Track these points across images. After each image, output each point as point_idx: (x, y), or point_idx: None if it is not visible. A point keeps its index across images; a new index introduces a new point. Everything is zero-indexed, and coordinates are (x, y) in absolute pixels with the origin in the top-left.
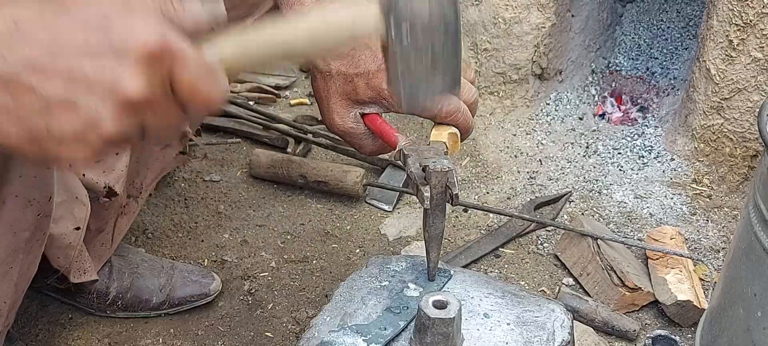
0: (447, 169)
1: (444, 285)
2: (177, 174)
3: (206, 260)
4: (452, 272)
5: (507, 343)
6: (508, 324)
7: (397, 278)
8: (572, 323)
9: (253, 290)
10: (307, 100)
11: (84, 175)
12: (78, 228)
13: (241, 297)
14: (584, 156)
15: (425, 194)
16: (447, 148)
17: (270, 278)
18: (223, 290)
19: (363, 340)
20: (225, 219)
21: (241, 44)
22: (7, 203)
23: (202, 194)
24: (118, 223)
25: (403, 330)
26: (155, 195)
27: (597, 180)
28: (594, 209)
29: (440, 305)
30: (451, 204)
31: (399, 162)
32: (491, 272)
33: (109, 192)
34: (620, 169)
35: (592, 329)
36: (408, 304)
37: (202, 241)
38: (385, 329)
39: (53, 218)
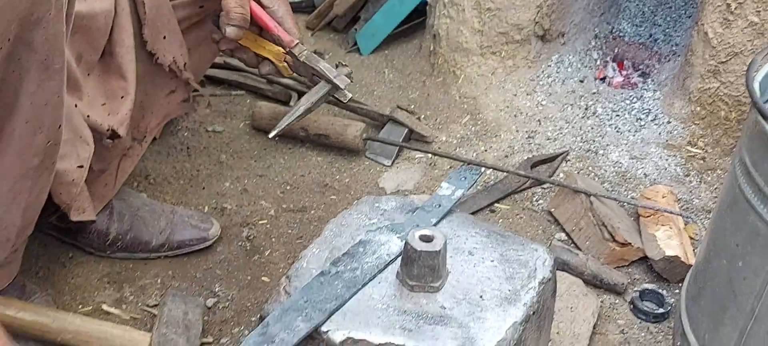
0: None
1: (474, 183)
2: (180, 123)
3: (206, 207)
4: (483, 170)
5: (489, 278)
6: (492, 261)
7: (387, 216)
8: (554, 263)
9: (252, 237)
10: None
11: (89, 116)
12: (81, 166)
13: (240, 243)
14: (583, 117)
15: (343, 79)
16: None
17: (268, 226)
18: (222, 236)
19: (398, 237)
20: (226, 168)
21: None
22: (17, 129)
23: (204, 143)
24: (122, 165)
25: (437, 223)
26: (158, 143)
27: (594, 141)
28: (590, 168)
29: (427, 239)
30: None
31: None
32: None
33: (112, 134)
34: (617, 131)
35: (581, 281)
36: (440, 202)
37: (203, 188)
38: (419, 226)
39: (58, 155)
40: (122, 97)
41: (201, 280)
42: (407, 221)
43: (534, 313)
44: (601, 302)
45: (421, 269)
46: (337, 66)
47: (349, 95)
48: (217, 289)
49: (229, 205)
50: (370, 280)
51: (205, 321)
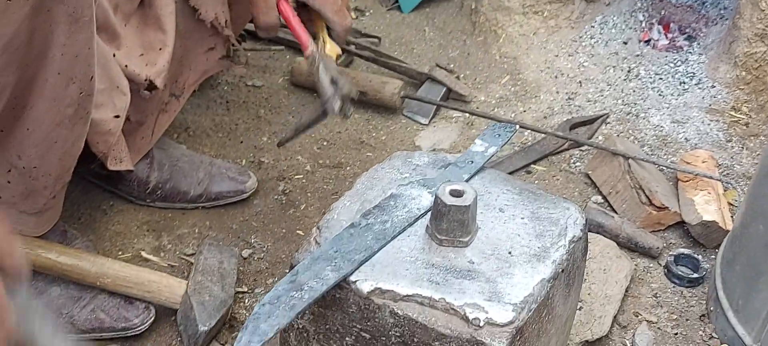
0: (351, 91)
1: (508, 140)
2: (220, 77)
3: (244, 160)
4: (517, 127)
5: (519, 235)
6: (523, 218)
7: (419, 171)
8: (586, 223)
9: (287, 191)
10: (353, 14)
11: (126, 66)
12: (117, 116)
13: (276, 197)
14: (625, 80)
15: (335, 105)
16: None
17: (304, 181)
18: (258, 189)
19: (429, 192)
20: (264, 123)
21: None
22: (49, 79)
23: (243, 97)
24: (160, 119)
25: (468, 180)
26: (198, 96)
27: (635, 104)
28: (630, 131)
29: (457, 194)
30: (344, 117)
31: (309, 64)
32: None
33: (149, 85)
34: (660, 94)
35: (615, 244)
36: (473, 158)
37: (241, 142)
38: (451, 181)
39: (95, 104)
40: (160, 49)
41: (237, 231)
42: (439, 176)
43: (563, 271)
44: (635, 265)
45: (450, 223)
46: (335, 84)
47: (338, 114)
48: (252, 240)
49: (266, 159)
50: (399, 233)
51: (239, 271)
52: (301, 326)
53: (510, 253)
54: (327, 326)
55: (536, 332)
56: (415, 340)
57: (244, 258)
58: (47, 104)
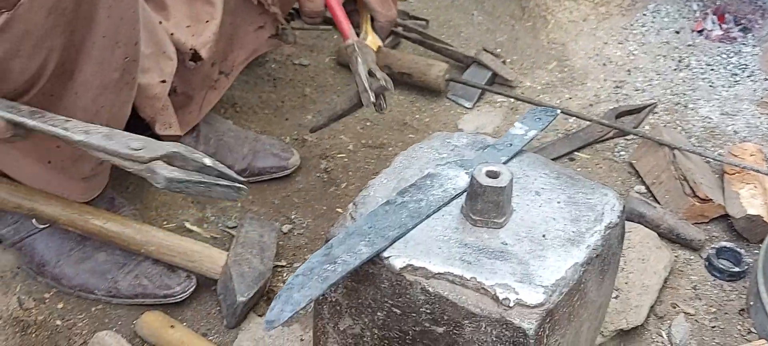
0: (387, 84)
1: (549, 124)
2: (268, 55)
3: (288, 138)
4: (559, 112)
5: (554, 218)
6: (559, 202)
7: (457, 152)
8: (623, 210)
9: (329, 169)
10: None
11: (173, 34)
12: (164, 81)
13: (318, 174)
14: (675, 70)
15: (371, 97)
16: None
17: (346, 160)
18: (301, 166)
19: (466, 173)
20: (309, 101)
21: None
22: (96, 43)
23: (290, 76)
24: (208, 95)
25: (507, 162)
26: (246, 73)
27: (685, 94)
28: (677, 122)
29: (493, 175)
30: (379, 110)
31: (349, 54)
32: None
33: (194, 55)
34: (710, 86)
35: (656, 234)
36: (512, 141)
37: (287, 119)
38: (487, 162)
39: (141, 69)
40: (207, 21)
41: (279, 206)
42: (477, 157)
43: (597, 256)
44: (676, 256)
45: (485, 204)
46: (372, 76)
47: (372, 106)
48: (293, 216)
49: (310, 137)
50: (434, 212)
51: (279, 245)
52: (334, 300)
53: (544, 236)
54: (359, 301)
55: (567, 316)
56: (445, 318)
57: (284, 233)
58: (94, 68)
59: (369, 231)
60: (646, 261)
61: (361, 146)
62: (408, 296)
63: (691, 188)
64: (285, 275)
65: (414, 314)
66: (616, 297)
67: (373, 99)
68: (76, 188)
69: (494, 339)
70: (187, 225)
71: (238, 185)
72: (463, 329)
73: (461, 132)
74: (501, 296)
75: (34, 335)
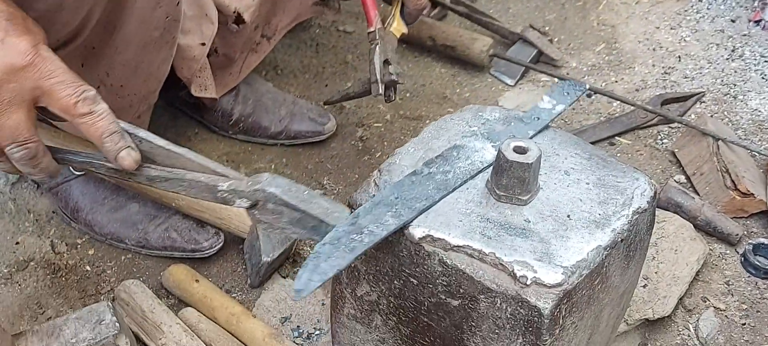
0: (397, 78)
1: (576, 99)
2: (313, 20)
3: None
4: (588, 87)
5: (581, 199)
6: (588, 183)
7: (488, 125)
8: (655, 196)
9: (365, 138)
10: None
11: None
12: (203, 44)
13: (353, 142)
14: (727, 59)
15: (380, 88)
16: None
17: (382, 129)
18: (337, 133)
19: (492, 145)
20: (350, 69)
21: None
22: (138, 2)
23: (333, 42)
24: (249, 58)
25: (532, 137)
26: (290, 36)
27: (735, 85)
28: (725, 112)
29: (521, 150)
30: (388, 100)
31: (369, 41)
32: None
33: (238, 18)
34: (763, 77)
35: (691, 225)
36: (539, 114)
37: (326, 85)
38: (514, 136)
39: (182, 31)
40: None
41: (312, 171)
42: (504, 130)
43: (622, 241)
44: (711, 250)
45: (510, 179)
46: (387, 66)
47: (381, 97)
48: (325, 181)
49: (348, 104)
50: (461, 184)
51: None
52: (352, 265)
53: (569, 216)
54: (377, 268)
55: (586, 299)
56: (461, 291)
57: (351, 197)
58: (135, 26)
59: (396, 202)
60: (678, 252)
61: (399, 117)
62: (425, 266)
63: (732, 180)
64: None
65: (430, 285)
66: (644, 286)
67: (381, 91)
68: None
69: (509, 316)
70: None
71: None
72: (478, 304)
73: (495, 106)
74: (518, 274)
75: (64, 279)
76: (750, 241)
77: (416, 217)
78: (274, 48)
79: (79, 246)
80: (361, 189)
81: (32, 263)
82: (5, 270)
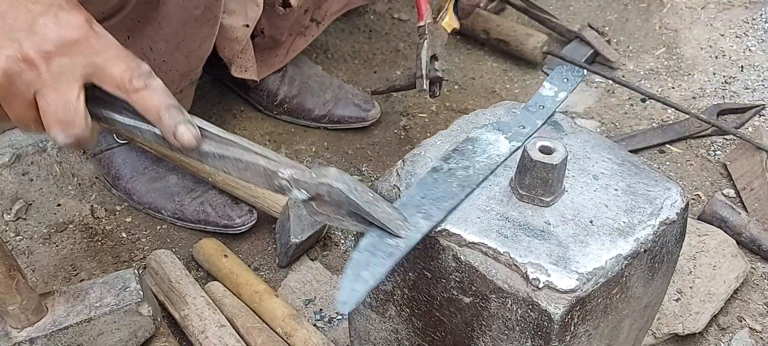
0: (443, 75)
1: (576, 85)
2: (368, 6)
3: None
4: (586, 73)
5: (607, 205)
6: (616, 190)
7: (517, 120)
8: (686, 207)
9: (408, 127)
10: None
11: None
12: (247, 26)
13: (396, 131)
14: None
15: (424, 84)
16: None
17: (427, 120)
18: (380, 120)
19: (505, 137)
20: (401, 57)
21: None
22: None
23: (387, 29)
24: (296, 41)
25: (540, 128)
26: (343, 21)
27: None
28: None
29: (546, 151)
30: (432, 96)
31: (418, 35)
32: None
33: (285, 2)
34: None
35: (734, 242)
36: (544, 103)
37: (375, 72)
38: (524, 126)
39: (227, 11)
40: None
41: (352, 157)
42: (513, 120)
43: (645, 252)
44: (753, 268)
45: (533, 179)
46: (434, 61)
47: (424, 90)
48: (363, 168)
49: (395, 94)
50: (483, 180)
51: None
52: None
53: (591, 222)
54: None
55: (603, 308)
56: (473, 289)
57: (372, 183)
58: (177, 2)
59: (423, 202)
60: (717, 268)
61: (444, 109)
62: (440, 260)
63: None
64: None
65: (443, 280)
66: (677, 300)
67: (426, 86)
68: None
69: (519, 318)
70: None
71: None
72: (489, 303)
73: (529, 102)
74: (531, 276)
75: (99, 243)
76: None
77: (446, 217)
78: (327, 31)
79: (117, 213)
80: (384, 178)
81: (71, 226)
82: (45, 230)
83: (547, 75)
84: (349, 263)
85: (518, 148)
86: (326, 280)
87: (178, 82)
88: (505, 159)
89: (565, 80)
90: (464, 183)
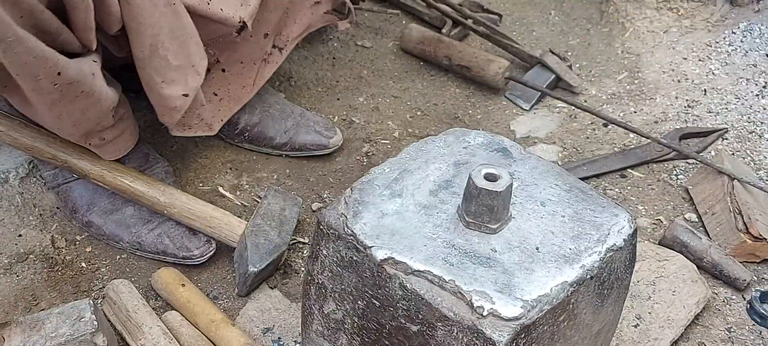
0: None
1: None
2: (332, 33)
3: (336, 117)
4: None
5: (553, 232)
6: (563, 217)
7: (469, 150)
8: (634, 234)
9: (371, 154)
10: None
11: (222, 9)
12: (186, 95)
13: (358, 157)
14: (757, 95)
15: None
16: None
17: (389, 146)
18: (343, 147)
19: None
20: (364, 84)
21: None
22: (14, 76)
23: (350, 56)
24: (262, 70)
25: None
26: (307, 49)
27: (762, 123)
28: (748, 151)
29: (492, 178)
30: None
31: None
32: (611, 190)
33: (242, 26)
34: None
35: (695, 266)
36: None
37: (338, 99)
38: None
39: (166, 81)
40: None
41: (313, 184)
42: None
43: (592, 279)
44: (715, 294)
45: (479, 207)
46: None
47: None
48: (325, 195)
49: (358, 119)
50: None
51: (306, 222)
52: (320, 282)
53: (537, 249)
54: (342, 286)
55: (549, 336)
56: (420, 317)
57: (313, 211)
58: (29, 93)
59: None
60: (676, 293)
61: (407, 135)
62: (387, 289)
63: (744, 223)
64: (305, 251)
65: (391, 309)
66: (636, 326)
67: None
68: (99, 149)
69: None
70: (221, 189)
71: None
72: (435, 331)
73: (479, 130)
74: (476, 304)
75: (60, 273)
76: (758, 288)
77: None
78: (290, 59)
79: (77, 243)
80: (331, 206)
81: (32, 256)
82: (6, 261)
83: (510, 101)
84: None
85: (473, 191)
86: (285, 308)
87: (85, 140)
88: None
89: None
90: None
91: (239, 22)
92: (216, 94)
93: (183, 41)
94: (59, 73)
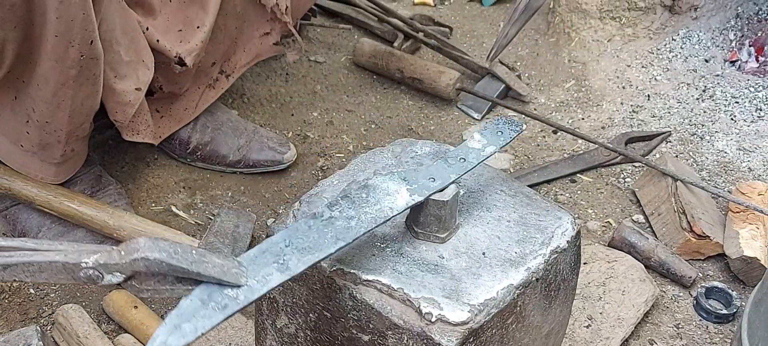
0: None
1: (511, 140)
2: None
3: (291, 133)
4: (524, 127)
5: (499, 237)
6: (508, 222)
7: (417, 160)
8: (577, 236)
9: (325, 168)
10: (430, 1)
11: (158, 40)
12: (139, 89)
13: (313, 172)
14: (697, 99)
15: None
16: None
17: (344, 160)
18: (298, 162)
19: (407, 188)
20: (318, 99)
21: None
22: (49, 39)
23: (303, 72)
24: (205, 94)
25: (452, 183)
26: (260, 65)
27: (703, 126)
28: (691, 153)
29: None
30: None
31: None
32: (561, 195)
33: (179, 62)
34: (732, 119)
35: (642, 266)
36: (466, 155)
37: (292, 115)
38: (434, 179)
39: (118, 75)
40: (198, 27)
41: (269, 200)
42: (422, 171)
43: (538, 280)
44: (663, 292)
45: (426, 217)
46: None
47: None
48: (281, 210)
49: (312, 134)
50: (363, 234)
51: (260, 238)
52: (271, 296)
53: (484, 254)
54: (294, 300)
55: (499, 338)
56: (371, 326)
57: (268, 226)
58: (51, 64)
59: (285, 251)
60: (625, 293)
61: (362, 148)
62: (337, 300)
63: (688, 222)
64: None
65: (343, 319)
66: (587, 326)
67: None
68: (48, 171)
69: None
70: (174, 209)
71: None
72: (386, 340)
73: (426, 140)
74: (424, 310)
75: (7, 300)
76: (703, 284)
77: (304, 270)
78: (244, 76)
79: None
80: (279, 220)
81: None
82: None
83: (462, 111)
84: (173, 311)
85: (420, 202)
86: (242, 325)
87: (65, 142)
88: (396, 214)
89: (499, 134)
90: (341, 236)
91: (176, 56)
92: (158, 112)
93: (133, 37)
94: (92, 43)
